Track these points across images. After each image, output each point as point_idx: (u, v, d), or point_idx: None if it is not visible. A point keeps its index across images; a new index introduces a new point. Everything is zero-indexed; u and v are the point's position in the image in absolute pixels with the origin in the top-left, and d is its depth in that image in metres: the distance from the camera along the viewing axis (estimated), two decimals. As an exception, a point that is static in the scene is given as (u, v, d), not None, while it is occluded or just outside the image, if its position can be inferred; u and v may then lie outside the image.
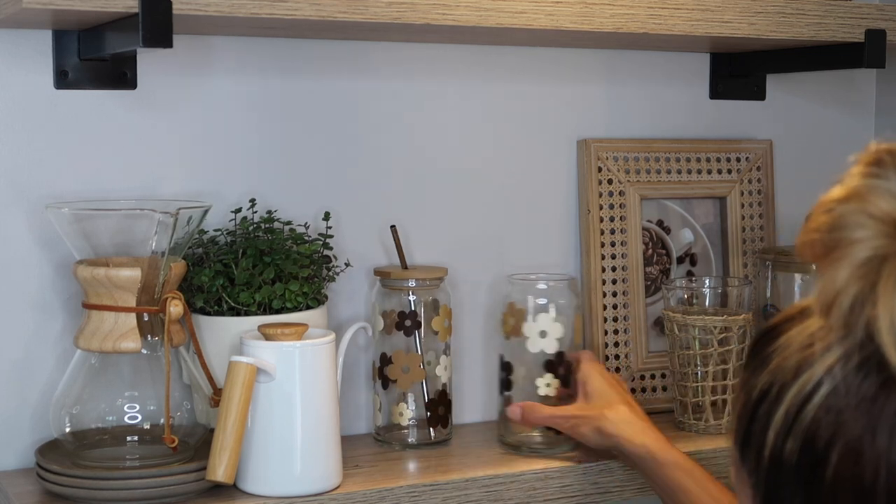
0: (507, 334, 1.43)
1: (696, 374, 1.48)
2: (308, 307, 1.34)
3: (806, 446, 0.75)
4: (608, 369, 1.57)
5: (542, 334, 1.41)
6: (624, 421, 1.32)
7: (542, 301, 1.42)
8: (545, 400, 1.41)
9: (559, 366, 1.43)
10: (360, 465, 1.36)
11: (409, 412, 1.43)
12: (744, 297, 1.50)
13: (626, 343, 1.59)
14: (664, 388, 1.60)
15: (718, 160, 1.66)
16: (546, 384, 1.41)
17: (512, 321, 1.42)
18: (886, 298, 0.72)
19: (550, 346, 1.42)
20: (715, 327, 1.46)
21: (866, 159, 0.77)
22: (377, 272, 1.45)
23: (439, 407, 1.43)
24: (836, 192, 0.77)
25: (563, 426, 1.37)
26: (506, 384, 1.43)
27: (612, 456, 1.36)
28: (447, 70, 1.52)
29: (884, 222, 0.74)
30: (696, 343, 1.47)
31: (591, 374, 1.38)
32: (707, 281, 1.56)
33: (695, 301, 1.51)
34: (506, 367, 1.43)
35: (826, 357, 0.75)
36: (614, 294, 1.59)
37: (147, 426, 1.26)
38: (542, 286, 1.43)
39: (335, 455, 1.28)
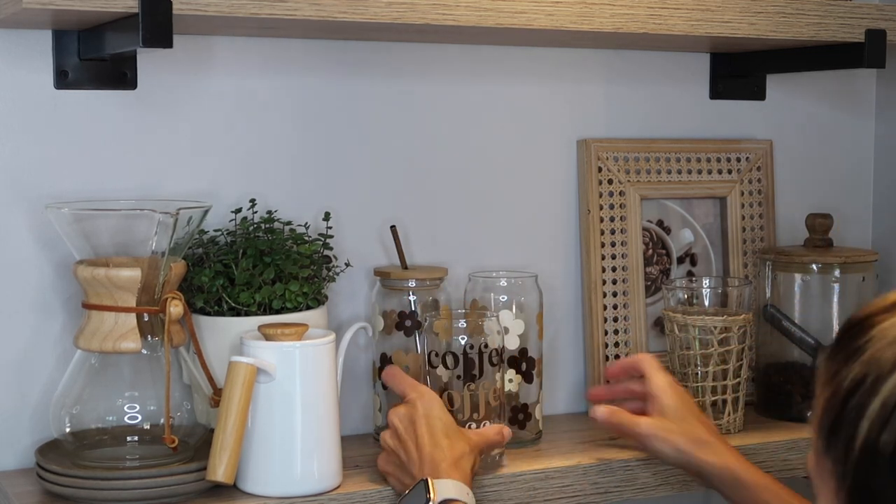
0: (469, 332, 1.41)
1: (697, 374, 1.48)
2: (308, 307, 1.34)
3: None
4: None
5: (504, 331, 1.41)
6: (704, 442, 1.32)
7: (504, 298, 1.43)
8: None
9: (521, 362, 1.44)
10: (360, 465, 1.36)
11: (409, 412, 1.43)
12: (744, 298, 1.50)
13: (626, 343, 1.59)
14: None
15: (718, 160, 1.66)
16: (508, 380, 1.41)
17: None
18: None
19: (512, 343, 1.42)
20: (715, 327, 1.46)
21: None
22: (377, 272, 1.45)
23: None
24: None
25: (638, 436, 1.35)
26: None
27: (689, 472, 1.35)
28: (447, 70, 1.52)
29: None
30: (697, 343, 1.47)
31: (663, 387, 1.36)
32: (707, 281, 1.56)
33: (695, 301, 1.51)
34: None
35: None
36: (614, 294, 1.59)
37: (147, 426, 1.26)
38: (503, 283, 1.44)
39: (335, 455, 1.28)
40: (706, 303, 1.51)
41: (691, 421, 1.34)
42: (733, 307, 1.50)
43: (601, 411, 1.37)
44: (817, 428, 0.83)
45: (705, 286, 1.54)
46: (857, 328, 0.82)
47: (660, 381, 1.37)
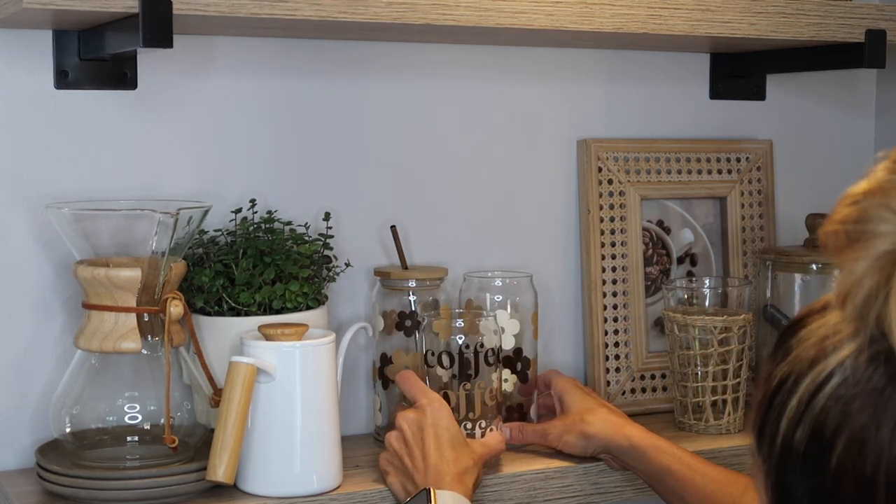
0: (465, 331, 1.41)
1: (697, 374, 1.48)
2: (308, 307, 1.34)
3: (814, 435, 0.76)
4: (616, 370, 1.58)
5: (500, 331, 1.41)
6: (604, 420, 1.36)
7: (499, 298, 1.44)
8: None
9: (517, 362, 1.45)
10: (360, 465, 1.36)
11: (409, 412, 1.43)
12: (744, 298, 1.50)
13: (626, 343, 1.59)
14: (664, 389, 1.60)
15: (718, 160, 1.66)
16: (504, 380, 1.42)
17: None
18: None
19: (507, 343, 1.42)
20: (715, 327, 1.46)
21: (895, 156, 0.78)
22: (377, 272, 1.45)
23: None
24: (862, 185, 0.78)
25: (550, 440, 1.39)
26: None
27: (600, 460, 1.38)
28: (447, 70, 1.52)
29: None
30: (697, 343, 1.47)
31: (566, 388, 1.41)
32: (707, 281, 1.56)
33: (695, 301, 1.51)
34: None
35: (840, 349, 0.76)
36: (614, 294, 1.59)
37: (147, 426, 1.26)
38: (498, 283, 1.44)
39: (335, 455, 1.28)
40: (706, 303, 1.51)
41: (594, 408, 1.38)
42: (733, 307, 1.50)
43: (510, 433, 1.39)
44: (751, 428, 0.85)
45: (705, 286, 1.54)
46: (791, 329, 0.83)
47: (561, 383, 1.42)
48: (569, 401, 1.40)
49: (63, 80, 1.33)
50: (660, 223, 1.63)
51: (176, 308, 1.23)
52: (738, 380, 1.49)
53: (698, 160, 1.65)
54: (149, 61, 1.37)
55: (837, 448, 0.75)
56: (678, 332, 1.48)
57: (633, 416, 1.57)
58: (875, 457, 0.74)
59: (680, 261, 1.65)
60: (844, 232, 0.76)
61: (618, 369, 1.58)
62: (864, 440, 0.74)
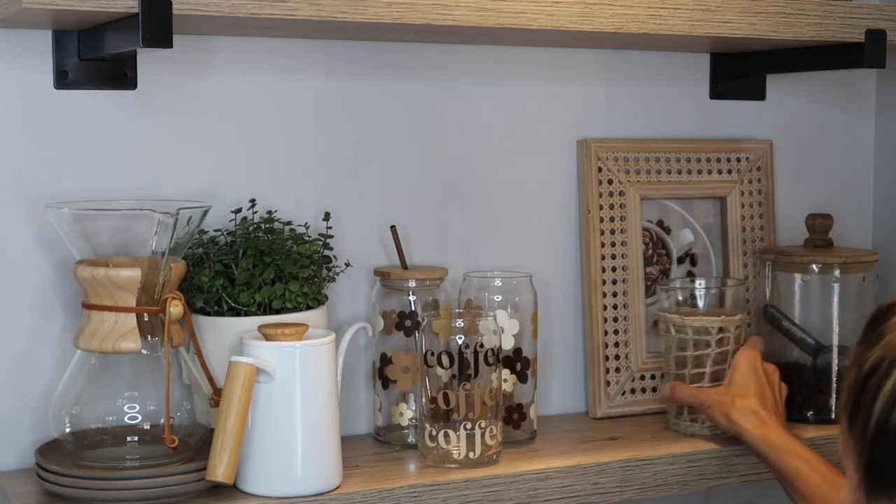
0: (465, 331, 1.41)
1: (693, 375, 1.48)
2: (308, 307, 1.34)
3: None
4: (616, 370, 1.58)
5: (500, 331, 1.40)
6: (750, 411, 1.40)
7: (499, 298, 1.44)
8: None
9: (516, 362, 1.45)
10: (360, 466, 1.36)
11: (409, 412, 1.43)
12: (739, 298, 1.50)
13: (626, 343, 1.59)
14: (664, 388, 1.60)
15: (718, 160, 1.66)
16: (503, 380, 1.42)
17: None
18: None
19: (506, 343, 1.42)
20: (713, 328, 1.46)
21: None
22: (377, 272, 1.45)
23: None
24: None
25: (701, 406, 1.44)
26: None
27: (740, 443, 1.42)
28: (447, 70, 1.52)
29: None
30: (692, 344, 1.47)
31: (741, 362, 1.45)
32: (703, 282, 1.56)
33: (690, 302, 1.51)
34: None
35: None
36: (614, 294, 1.59)
37: (147, 426, 1.26)
38: (497, 283, 1.44)
39: (335, 455, 1.28)
40: (702, 303, 1.51)
41: (749, 395, 1.41)
42: (729, 308, 1.50)
43: (670, 388, 1.47)
44: (842, 409, 0.87)
45: (701, 287, 1.54)
46: (882, 314, 0.86)
47: (741, 356, 1.46)
48: (734, 376, 1.44)
49: (63, 80, 1.33)
50: (660, 223, 1.63)
51: (176, 308, 1.23)
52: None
53: (698, 160, 1.65)
54: (149, 61, 1.37)
55: None
56: (675, 333, 1.48)
57: (632, 416, 1.58)
58: None
59: (680, 261, 1.65)
60: None
61: (618, 369, 1.58)
62: None
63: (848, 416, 0.86)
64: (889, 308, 0.86)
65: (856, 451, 0.85)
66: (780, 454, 1.36)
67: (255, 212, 1.39)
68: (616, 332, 1.58)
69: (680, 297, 1.51)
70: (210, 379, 1.27)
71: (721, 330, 1.47)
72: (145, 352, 1.25)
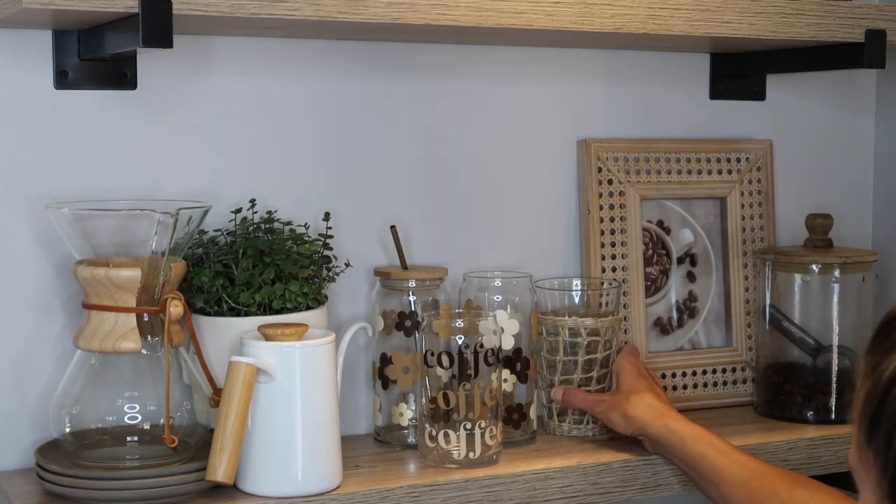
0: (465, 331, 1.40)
1: (563, 380, 1.47)
2: (308, 307, 1.34)
3: None
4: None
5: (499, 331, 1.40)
6: (647, 405, 1.40)
7: (498, 298, 1.44)
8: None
9: (516, 362, 1.45)
10: (360, 466, 1.36)
11: (409, 412, 1.43)
12: (613, 300, 1.49)
13: (625, 343, 1.58)
14: (664, 388, 1.60)
15: (718, 160, 1.66)
16: (503, 380, 1.42)
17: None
18: None
19: (506, 343, 1.42)
20: (584, 328, 1.45)
21: None
22: (377, 272, 1.45)
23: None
24: None
25: (595, 410, 1.44)
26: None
27: (639, 442, 1.41)
28: (447, 70, 1.52)
29: None
30: (566, 346, 1.46)
31: (625, 366, 1.46)
32: (576, 283, 1.54)
33: (565, 302, 1.50)
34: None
35: None
36: (614, 294, 1.59)
37: (147, 426, 1.26)
38: (497, 283, 1.44)
39: (335, 455, 1.28)
40: (578, 303, 1.50)
41: (641, 392, 1.41)
42: (599, 309, 1.49)
43: (557, 392, 1.47)
44: (859, 419, 0.84)
45: (577, 288, 1.53)
46: (894, 321, 0.83)
47: (622, 361, 1.47)
48: (622, 380, 1.45)
49: (63, 80, 1.33)
50: (660, 223, 1.63)
51: (176, 308, 1.23)
52: (601, 385, 1.48)
53: (698, 160, 1.65)
54: (149, 61, 1.37)
55: None
56: (546, 335, 1.47)
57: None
58: None
59: (680, 261, 1.65)
60: None
61: (618, 369, 1.58)
62: None
63: (867, 426, 0.82)
64: None
65: (879, 463, 0.81)
66: (684, 441, 1.35)
67: (255, 212, 1.39)
68: (616, 332, 1.59)
69: (554, 298, 1.50)
70: (210, 379, 1.27)
71: (593, 332, 1.46)
72: (145, 352, 1.25)
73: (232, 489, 1.25)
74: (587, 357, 1.47)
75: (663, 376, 1.60)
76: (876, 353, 0.83)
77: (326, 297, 1.39)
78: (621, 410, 1.40)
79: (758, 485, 1.28)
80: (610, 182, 1.59)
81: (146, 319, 1.24)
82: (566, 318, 1.47)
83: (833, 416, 1.55)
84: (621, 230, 1.59)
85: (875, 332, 0.86)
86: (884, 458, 0.80)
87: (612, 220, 1.59)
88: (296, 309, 1.33)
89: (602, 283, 1.54)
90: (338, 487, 1.28)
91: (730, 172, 1.66)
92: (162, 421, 1.24)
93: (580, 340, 1.46)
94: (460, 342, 1.34)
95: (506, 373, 1.44)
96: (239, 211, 1.38)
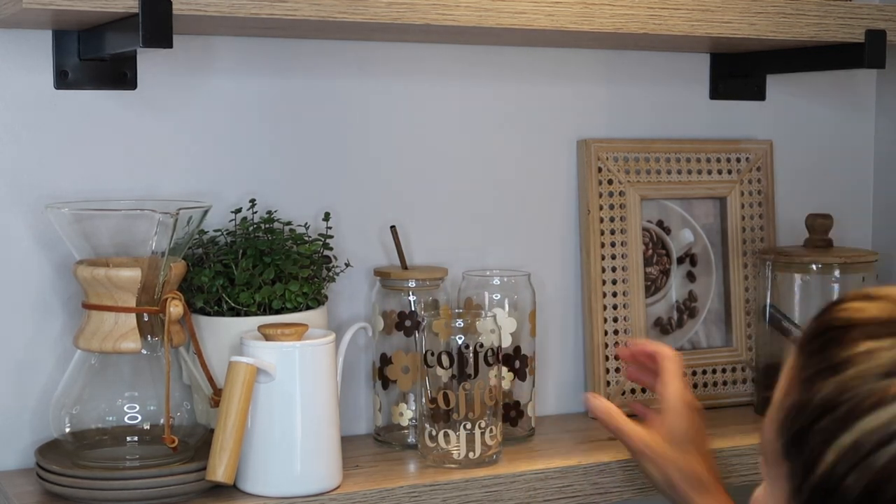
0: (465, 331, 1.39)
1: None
2: (308, 307, 1.34)
3: (871, 490, 0.69)
4: (616, 370, 1.58)
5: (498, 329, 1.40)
6: (693, 478, 1.25)
7: (497, 296, 1.44)
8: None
9: (515, 360, 1.45)
10: (360, 466, 1.36)
11: (409, 412, 1.43)
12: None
13: (625, 344, 1.58)
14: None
15: (718, 160, 1.66)
16: (501, 378, 1.42)
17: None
18: None
19: (505, 341, 1.43)
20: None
21: None
22: (377, 272, 1.45)
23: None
24: None
25: (632, 449, 1.30)
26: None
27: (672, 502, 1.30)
28: (447, 70, 1.52)
29: None
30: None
31: (677, 405, 1.27)
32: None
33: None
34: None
35: None
36: (614, 294, 1.59)
37: (147, 426, 1.26)
38: (496, 282, 1.45)
39: (335, 455, 1.28)
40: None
41: (690, 454, 1.26)
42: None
43: (599, 407, 1.30)
44: (778, 429, 0.76)
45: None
46: (839, 336, 0.75)
47: (673, 394, 1.27)
48: (673, 426, 1.26)
49: (63, 80, 1.33)
50: (660, 223, 1.63)
51: (176, 308, 1.23)
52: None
53: (698, 160, 1.65)
54: (149, 61, 1.37)
55: None
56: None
57: (631, 416, 1.57)
58: None
59: (680, 261, 1.65)
60: None
61: (618, 369, 1.58)
62: None
63: (787, 440, 0.74)
64: (847, 330, 0.74)
65: (790, 482, 0.74)
66: None
67: (255, 212, 1.39)
68: (616, 332, 1.59)
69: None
70: (210, 379, 1.27)
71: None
72: (145, 352, 1.25)
73: (232, 489, 1.25)
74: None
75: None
76: (810, 364, 0.75)
77: (326, 297, 1.39)
78: (664, 471, 1.26)
79: None
80: (610, 182, 1.59)
81: (146, 319, 1.24)
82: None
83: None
84: (621, 230, 1.59)
85: (811, 334, 0.77)
86: (798, 483, 0.73)
87: (612, 220, 1.59)
88: (296, 309, 1.33)
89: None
90: (338, 487, 1.28)
91: (730, 172, 1.67)
92: (162, 421, 1.24)
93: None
94: (460, 342, 1.34)
95: (504, 371, 1.44)
96: (239, 211, 1.38)
